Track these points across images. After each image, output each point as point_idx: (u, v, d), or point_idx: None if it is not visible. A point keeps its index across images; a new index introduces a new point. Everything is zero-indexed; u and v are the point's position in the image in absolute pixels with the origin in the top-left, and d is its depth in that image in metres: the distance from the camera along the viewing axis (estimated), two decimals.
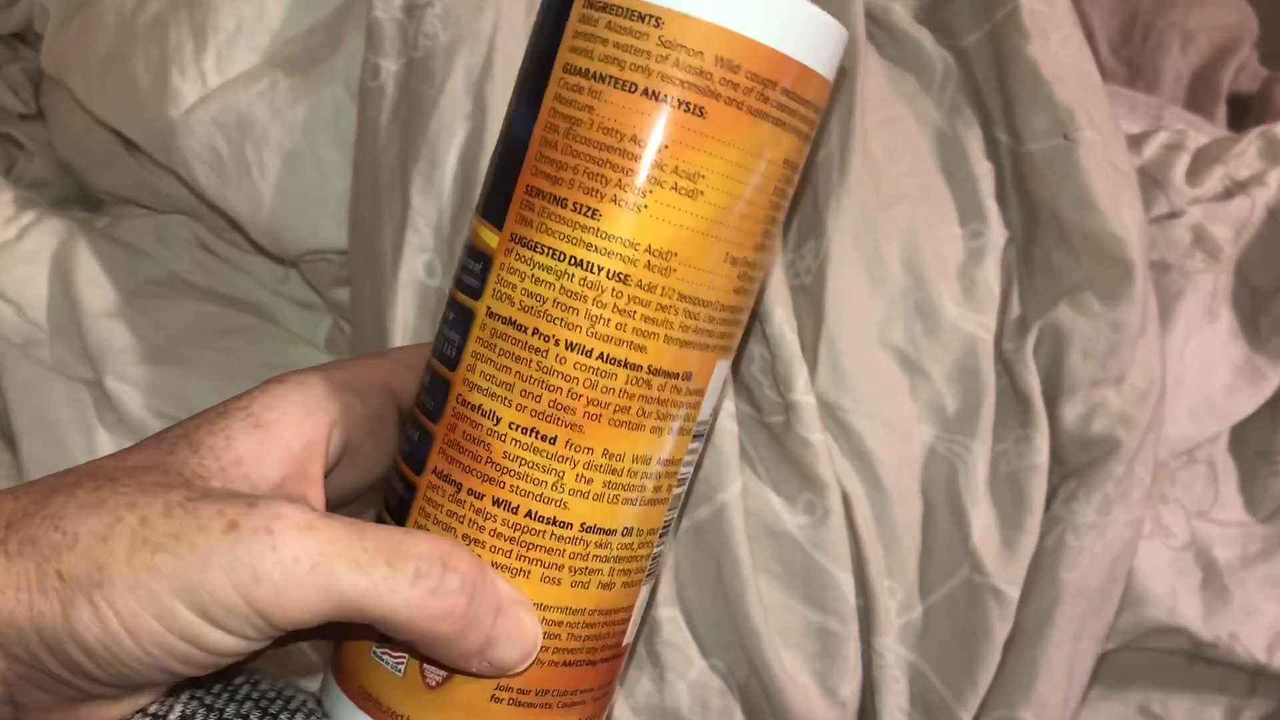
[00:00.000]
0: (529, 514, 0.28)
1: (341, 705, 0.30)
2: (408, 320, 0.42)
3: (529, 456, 0.28)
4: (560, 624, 0.29)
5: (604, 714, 0.32)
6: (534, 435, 0.27)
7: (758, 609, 0.40)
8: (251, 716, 0.30)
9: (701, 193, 0.27)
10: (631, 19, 0.26)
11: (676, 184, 0.26)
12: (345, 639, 0.31)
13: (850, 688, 0.41)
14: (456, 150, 0.42)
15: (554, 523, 0.28)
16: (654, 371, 0.28)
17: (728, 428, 0.40)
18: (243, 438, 0.28)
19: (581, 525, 0.28)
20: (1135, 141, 0.57)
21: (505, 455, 0.28)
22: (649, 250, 0.27)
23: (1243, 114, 0.97)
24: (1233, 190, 0.55)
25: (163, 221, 0.53)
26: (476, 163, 0.41)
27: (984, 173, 0.44)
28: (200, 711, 0.29)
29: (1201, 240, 0.53)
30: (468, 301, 0.29)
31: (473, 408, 0.28)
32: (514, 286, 0.28)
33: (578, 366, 0.27)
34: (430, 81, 0.42)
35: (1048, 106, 0.43)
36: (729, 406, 0.41)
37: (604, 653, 0.30)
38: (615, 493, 0.28)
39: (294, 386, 0.30)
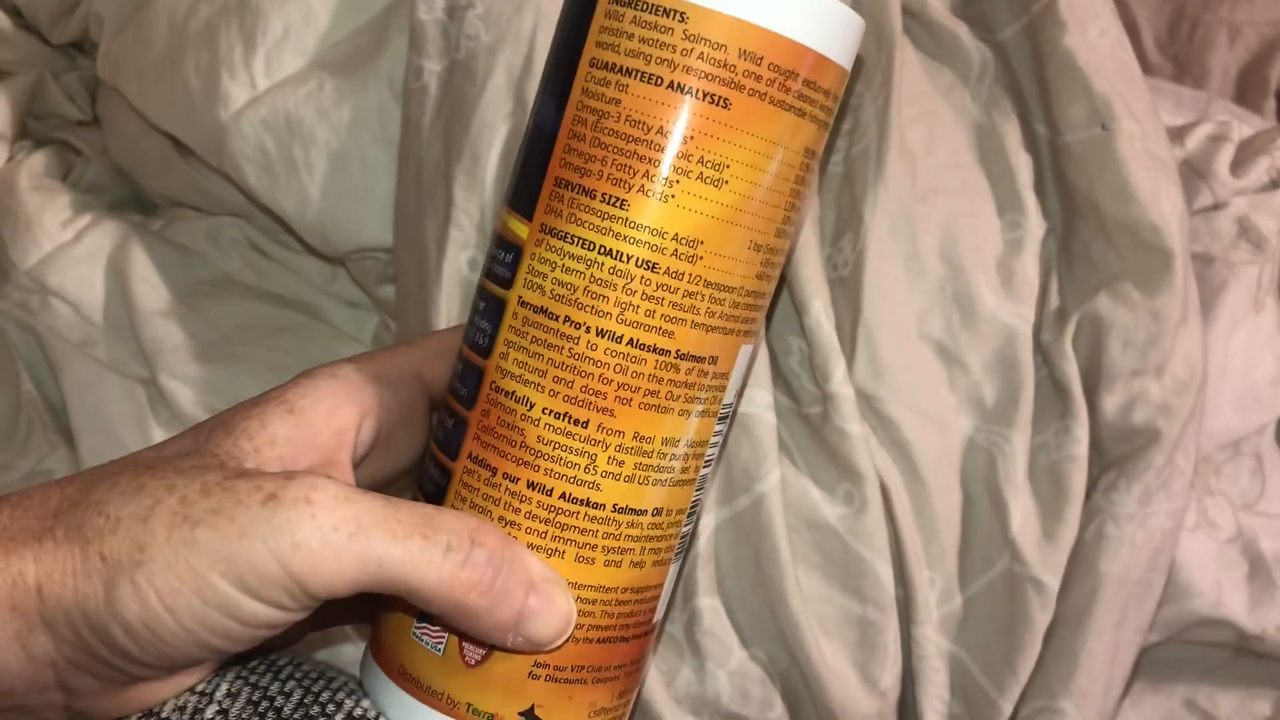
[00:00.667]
0: (563, 496, 0.29)
1: (382, 684, 0.31)
2: (452, 315, 0.43)
3: (562, 440, 0.28)
4: (594, 602, 0.29)
5: (636, 688, 0.32)
6: (567, 420, 0.28)
7: (797, 599, 0.40)
8: (295, 693, 0.30)
9: (726, 182, 0.27)
10: (657, 14, 0.27)
11: (702, 174, 0.27)
12: (382, 619, 0.32)
13: (890, 677, 0.41)
14: (498, 148, 0.43)
15: (587, 504, 0.29)
16: (681, 356, 0.28)
17: (766, 419, 0.41)
18: (277, 421, 0.30)
19: (614, 506, 0.29)
20: (1179, 133, 0.57)
21: (539, 440, 0.29)
22: (676, 238, 0.27)
23: None
24: (1277, 181, 0.54)
25: (214, 223, 0.54)
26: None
27: (1022, 164, 0.44)
28: (245, 689, 0.30)
29: (1246, 231, 0.52)
30: (499, 291, 0.29)
31: (506, 394, 0.29)
32: (545, 276, 0.28)
33: (608, 352, 0.28)
34: (472, 81, 0.43)
35: (1085, 97, 0.43)
36: (766, 398, 0.41)
37: (636, 629, 0.31)
38: (646, 474, 0.29)
39: (326, 378, 0.31)
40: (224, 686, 0.30)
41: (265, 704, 0.30)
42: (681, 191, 0.27)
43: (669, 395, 0.29)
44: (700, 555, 0.41)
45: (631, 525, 0.29)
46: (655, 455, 0.29)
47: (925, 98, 0.45)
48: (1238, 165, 0.55)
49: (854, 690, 0.41)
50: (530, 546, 0.29)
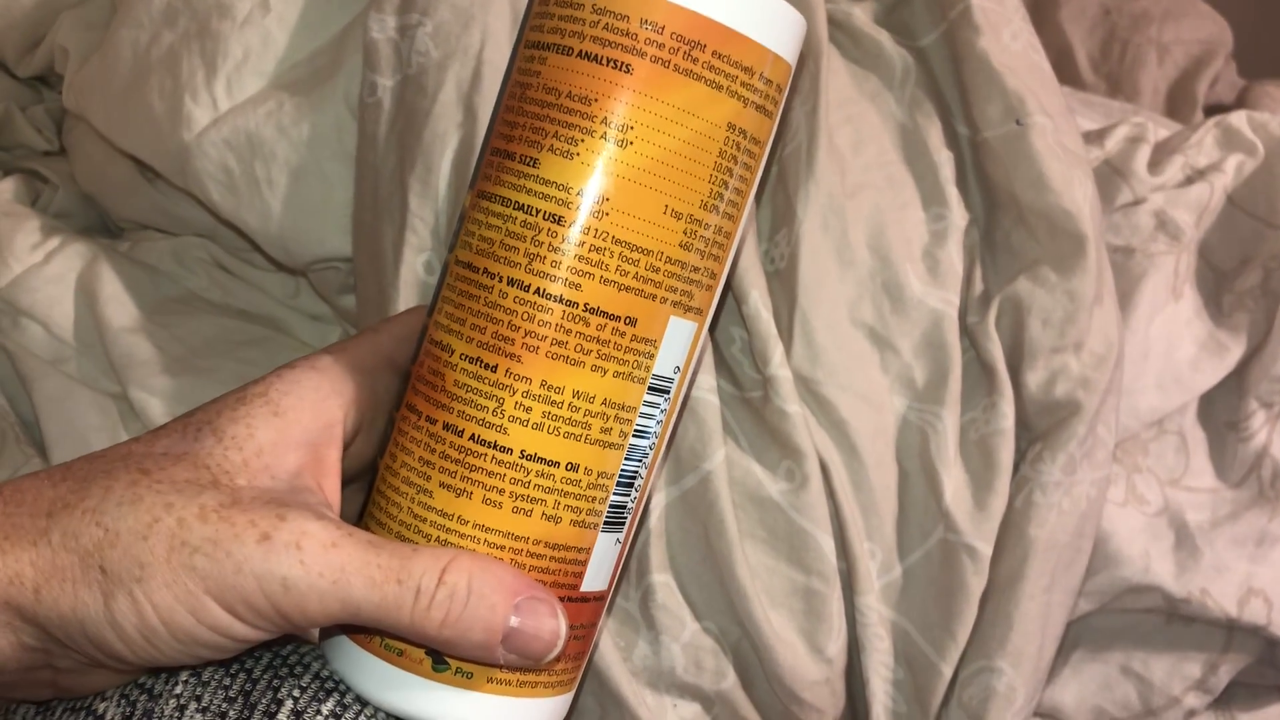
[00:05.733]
0: (472, 437, 0.30)
1: (339, 643, 0.33)
2: None
3: (473, 384, 0.30)
4: (502, 548, 0.31)
5: (561, 656, 0.32)
6: (479, 364, 0.30)
7: (745, 571, 0.42)
8: (264, 657, 0.32)
9: (630, 143, 0.30)
10: None
11: (606, 134, 0.30)
12: None
13: (836, 646, 0.43)
14: (449, 157, 0.45)
15: (495, 447, 0.30)
16: (590, 310, 0.30)
17: (710, 401, 0.43)
18: (263, 427, 0.31)
19: (521, 452, 0.30)
20: (1099, 135, 0.60)
21: (455, 383, 0.31)
22: (581, 194, 0.30)
23: None
24: (1192, 177, 0.58)
25: (180, 243, 0.56)
26: (468, 167, 0.44)
27: (944, 161, 0.47)
28: None
29: (1164, 225, 0.55)
30: (446, 255, 0.32)
31: (435, 343, 0.31)
32: (473, 234, 0.31)
33: (517, 300, 0.30)
34: (424, 95, 0.46)
35: (1000, 95, 0.46)
36: (710, 381, 0.43)
37: (553, 589, 0.31)
38: (555, 424, 0.30)
39: (307, 371, 0.32)
40: None
41: (236, 666, 0.32)
42: (586, 150, 0.30)
43: (579, 348, 0.30)
44: (651, 533, 0.43)
45: (542, 475, 0.31)
46: (566, 407, 0.30)
47: (852, 102, 0.48)
48: (1154, 164, 0.58)
49: (802, 658, 0.43)
50: (442, 486, 0.31)
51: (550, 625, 0.30)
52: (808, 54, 0.47)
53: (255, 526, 0.28)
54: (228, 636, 0.29)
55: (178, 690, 0.31)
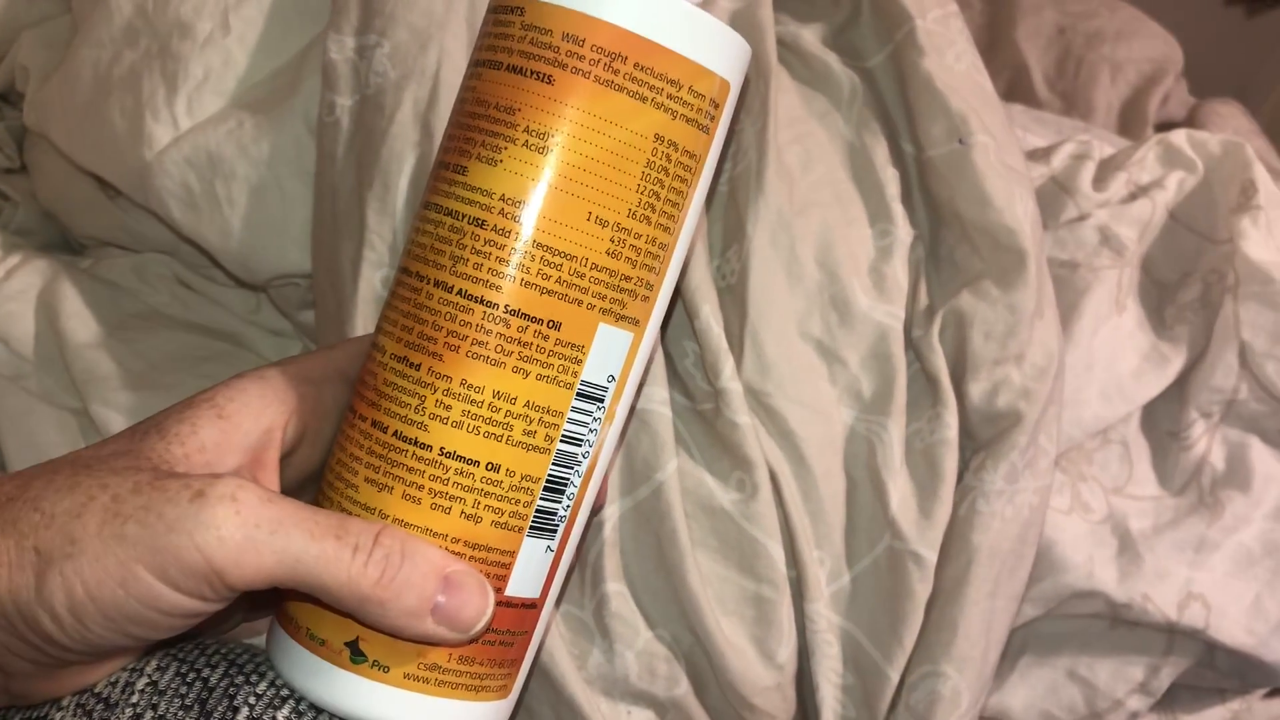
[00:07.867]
0: (395, 434, 0.31)
1: (273, 631, 0.33)
2: (368, 329, 0.46)
3: (399, 382, 0.32)
4: None
5: (487, 663, 0.33)
6: (404, 363, 0.32)
7: (696, 580, 0.43)
8: (220, 665, 0.33)
9: (551, 150, 0.31)
10: (505, 13, 0.32)
11: (528, 141, 0.31)
12: (289, 600, 0.34)
13: (787, 652, 0.44)
14: (407, 175, 0.46)
15: (415, 443, 0.31)
16: (511, 312, 0.31)
17: (662, 413, 0.44)
18: (207, 426, 0.32)
19: (441, 450, 0.31)
20: (1045, 153, 0.62)
21: (385, 382, 0.32)
22: (503, 198, 0.31)
23: None
24: (1135, 194, 0.59)
25: (141, 260, 0.57)
26: (425, 185, 0.45)
27: (890, 179, 0.49)
28: (174, 664, 0.33)
29: (1107, 240, 0.57)
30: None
31: (374, 346, 0.33)
32: (412, 241, 0.32)
33: (440, 301, 0.31)
34: (381, 114, 0.47)
35: (944, 115, 0.48)
36: (663, 394, 0.44)
37: None
38: (475, 424, 0.31)
39: (254, 380, 0.34)
40: (153, 662, 0.33)
41: (193, 675, 0.33)
42: (509, 157, 0.31)
43: (499, 349, 0.31)
44: (606, 543, 0.44)
45: (461, 474, 0.31)
46: (486, 407, 0.31)
47: (801, 121, 0.49)
48: (1099, 180, 0.60)
49: (753, 664, 0.44)
50: (367, 480, 0.32)
51: (479, 591, 0.31)
52: (756, 75, 0.48)
53: (189, 487, 0.29)
54: (157, 608, 0.29)
55: (134, 699, 0.32)
